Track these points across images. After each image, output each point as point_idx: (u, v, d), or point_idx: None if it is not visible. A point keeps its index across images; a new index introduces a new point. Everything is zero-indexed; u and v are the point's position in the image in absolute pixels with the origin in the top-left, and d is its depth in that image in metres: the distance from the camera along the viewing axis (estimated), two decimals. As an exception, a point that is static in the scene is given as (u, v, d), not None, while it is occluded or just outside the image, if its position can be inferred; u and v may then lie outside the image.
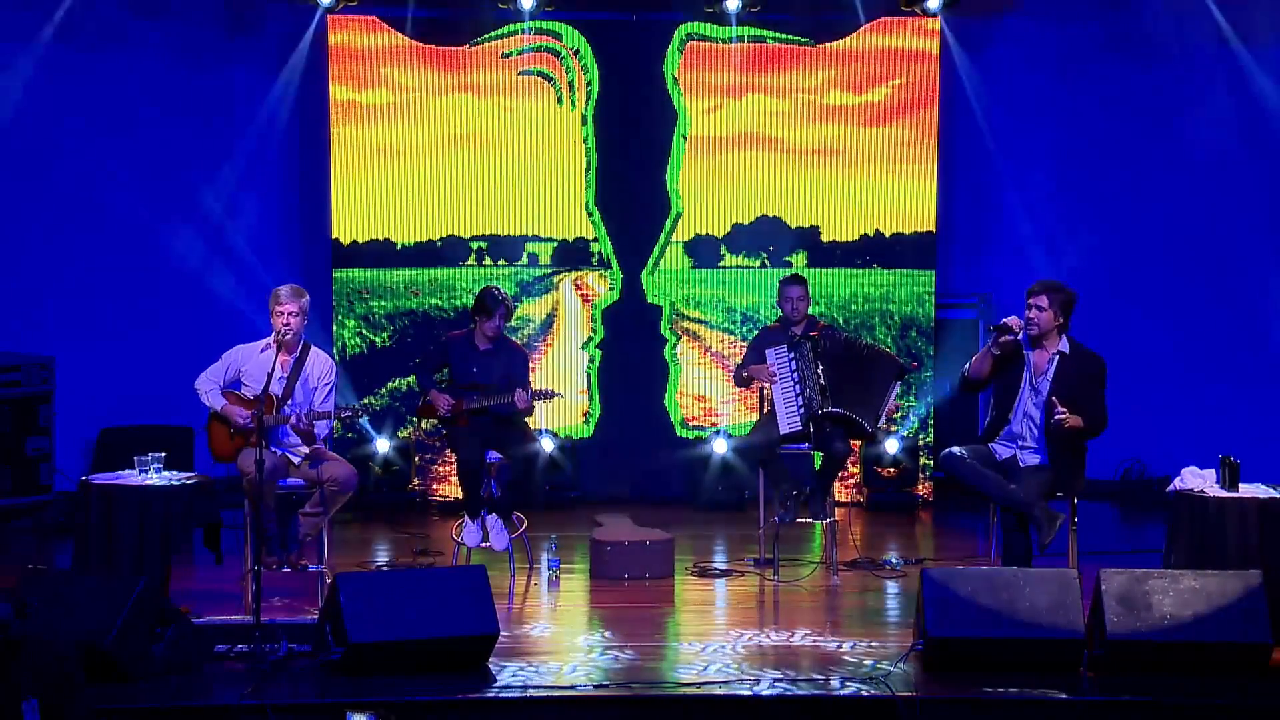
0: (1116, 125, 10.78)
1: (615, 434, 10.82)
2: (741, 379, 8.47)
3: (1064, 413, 7.11)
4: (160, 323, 10.50)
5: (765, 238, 10.79)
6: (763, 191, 10.78)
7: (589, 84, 10.76)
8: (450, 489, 10.30)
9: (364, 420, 9.96)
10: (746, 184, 10.79)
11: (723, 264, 10.83)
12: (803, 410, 8.09)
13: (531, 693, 6.06)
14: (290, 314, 7.47)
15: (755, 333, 9.68)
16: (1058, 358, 7.32)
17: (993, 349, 7.33)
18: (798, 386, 8.11)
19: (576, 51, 10.77)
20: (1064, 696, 6.01)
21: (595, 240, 10.84)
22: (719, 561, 8.73)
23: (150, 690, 6.02)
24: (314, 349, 7.70)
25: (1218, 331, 10.71)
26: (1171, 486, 7.38)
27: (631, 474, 10.74)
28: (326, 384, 7.64)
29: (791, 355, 8.13)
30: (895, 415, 10.60)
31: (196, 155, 10.62)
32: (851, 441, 8.45)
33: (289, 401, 7.51)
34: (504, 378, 8.15)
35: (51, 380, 9.96)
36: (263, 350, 7.57)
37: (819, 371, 8.05)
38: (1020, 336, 7.38)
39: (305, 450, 7.53)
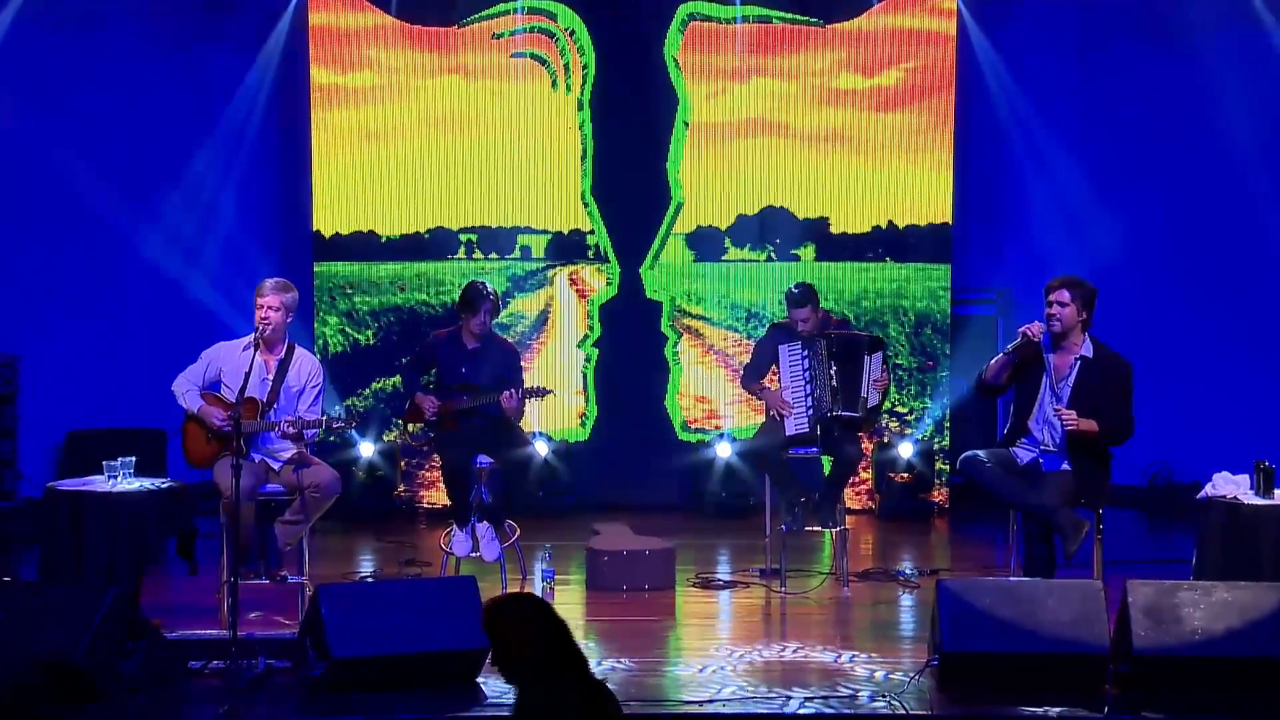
0: (1143, 110, 10.77)
1: (613, 437, 10.82)
2: (752, 389, 8.43)
3: (1073, 421, 7.12)
4: (131, 320, 10.50)
5: (771, 229, 10.79)
6: (768, 180, 10.79)
7: (585, 67, 10.76)
8: (438, 495, 10.29)
9: (353, 429, 9.93)
10: (751, 173, 10.80)
11: (726, 257, 10.83)
12: (811, 411, 8.08)
13: (524, 711, 6.05)
14: (270, 308, 7.43)
15: (760, 330, 9.69)
16: (1079, 363, 7.29)
17: (1013, 356, 7.32)
18: (808, 386, 8.09)
19: (572, 32, 10.76)
20: (1087, 715, 6.00)
21: (592, 232, 10.84)
22: (722, 572, 8.72)
23: (120, 708, 6.01)
24: (299, 350, 7.67)
25: (1251, 328, 10.71)
26: (1202, 493, 7.38)
27: (630, 479, 10.74)
28: (315, 386, 7.59)
29: (805, 354, 8.12)
30: (902, 407, 10.61)
31: (169, 142, 10.62)
32: (863, 443, 8.41)
33: (273, 407, 7.49)
34: (494, 378, 8.13)
35: (15, 380, 9.95)
36: (244, 349, 7.50)
37: (832, 372, 8.03)
38: (1042, 336, 7.37)
39: (286, 455, 7.51)
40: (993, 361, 7.40)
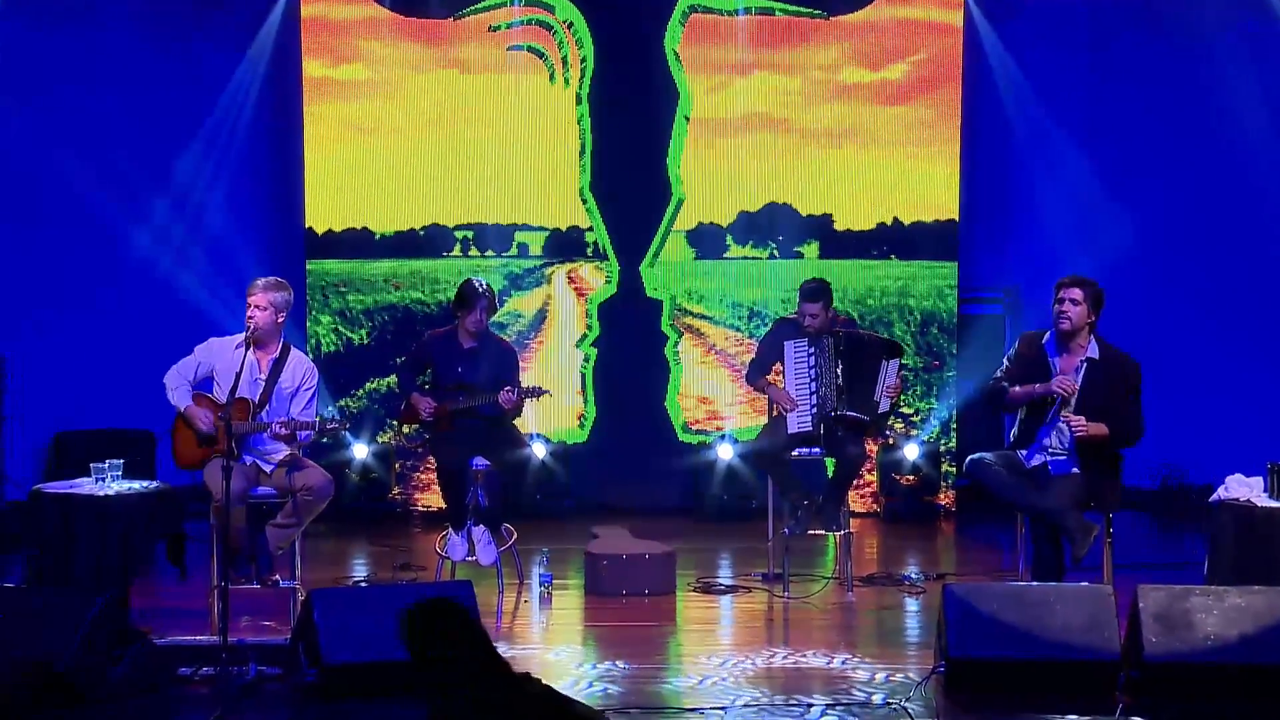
0: (1154, 103, 10.75)
1: (612, 439, 10.81)
2: (757, 385, 8.43)
3: (1082, 427, 7.12)
4: (120, 319, 10.48)
5: (774, 226, 10.78)
6: (771, 177, 10.78)
7: (584, 60, 10.75)
8: (433, 498, 10.28)
9: (345, 432, 9.90)
10: (754, 168, 10.79)
11: (728, 255, 10.82)
12: (815, 409, 8.08)
13: (521, 719, 6.04)
14: (257, 307, 7.42)
15: (763, 329, 9.68)
16: (1086, 365, 7.29)
17: (1036, 400, 7.32)
18: (813, 384, 8.09)
19: (570, 25, 10.76)
20: (1098, 723, 6.01)
21: (590, 229, 10.83)
22: (724, 577, 8.71)
23: (108, 716, 6.01)
24: (294, 351, 7.64)
25: (1263, 327, 10.69)
26: (1215, 495, 7.37)
27: (630, 482, 10.74)
28: (308, 389, 7.57)
29: (811, 350, 8.11)
30: (908, 408, 10.60)
31: (160, 137, 10.60)
32: (866, 442, 8.43)
33: (265, 408, 7.47)
34: (491, 377, 8.13)
35: (2, 381, 9.93)
36: (236, 347, 7.49)
37: (838, 370, 8.03)
38: (1047, 339, 7.37)
39: (278, 458, 7.49)
40: (1018, 391, 7.34)
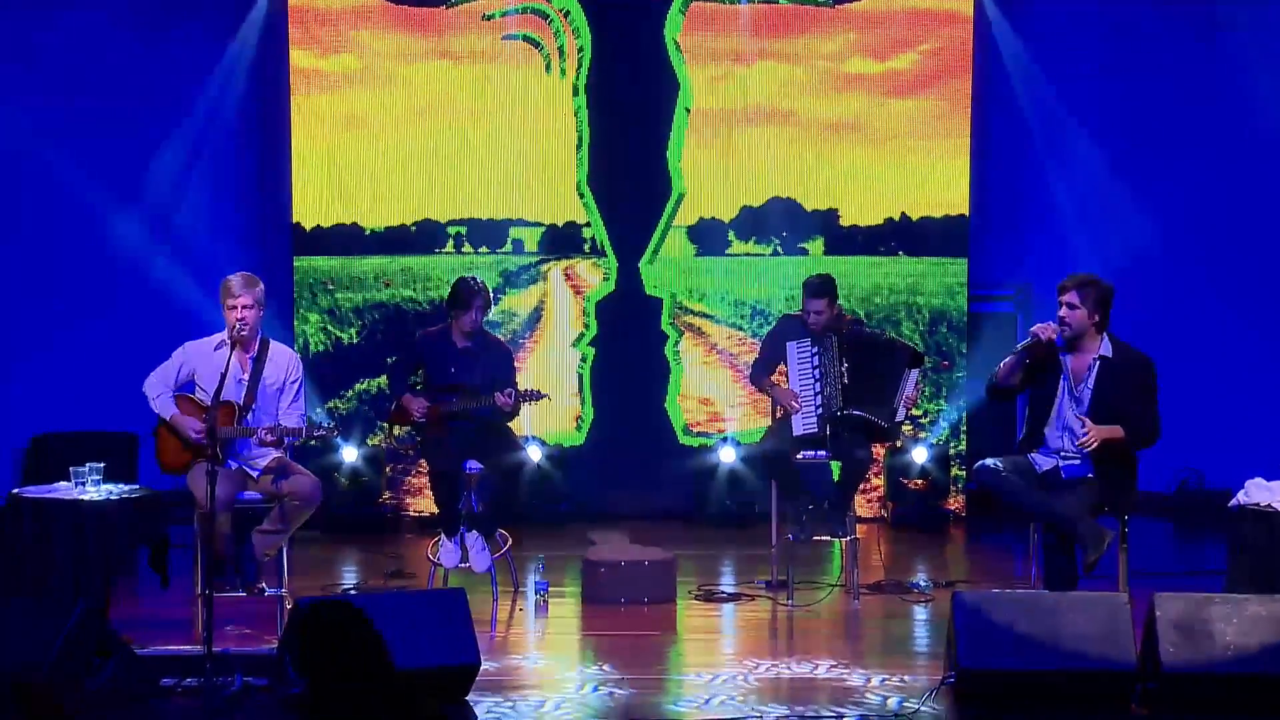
0: (1172, 94, 10.75)
1: (611, 441, 10.80)
2: (762, 385, 8.43)
3: (1093, 439, 7.08)
4: (101, 317, 10.47)
5: (777, 222, 10.77)
6: (775, 170, 10.77)
7: (581, 50, 10.74)
8: (425, 503, 10.27)
9: (336, 438, 9.87)
10: (757, 162, 10.78)
11: (730, 251, 10.82)
12: (820, 410, 8.08)
13: (516, 732, 6.04)
14: (245, 306, 7.40)
15: (766, 328, 9.68)
16: (1099, 363, 7.26)
17: (1023, 356, 7.28)
18: (818, 384, 8.09)
19: (567, 14, 10.74)
20: (1114, 736, 6.00)
21: (588, 225, 10.82)
22: (726, 584, 8.71)
23: (88, 729, 6.00)
24: (274, 345, 7.63)
25: (1283, 326, 10.72)
26: (1234, 500, 7.37)
27: (629, 486, 10.73)
28: (294, 382, 7.56)
29: (815, 350, 8.12)
30: (916, 410, 10.59)
31: (141, 130, 10.60)
32: (873, 445, 8.41)
33: (251, 409, 7.46)
34: (486, 378, 8.12)
35: (-23, 382, 9.95)
36: (216, 348, 7.47)
37: (843, 370, 8.03)
38: (1056, 338, 7.35)
39: (264, 462, 7.48)
40: (1003, 363, 7.36)
